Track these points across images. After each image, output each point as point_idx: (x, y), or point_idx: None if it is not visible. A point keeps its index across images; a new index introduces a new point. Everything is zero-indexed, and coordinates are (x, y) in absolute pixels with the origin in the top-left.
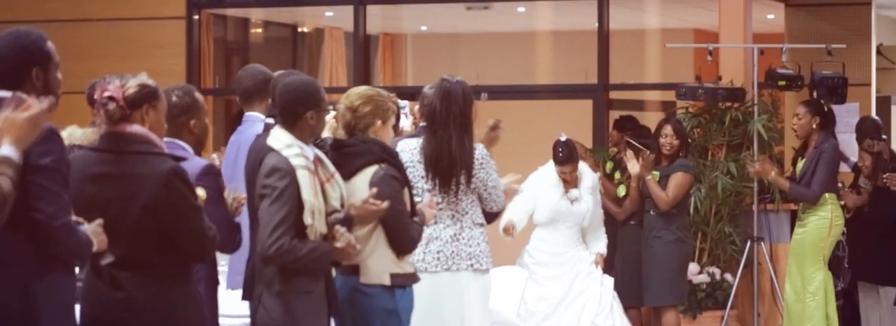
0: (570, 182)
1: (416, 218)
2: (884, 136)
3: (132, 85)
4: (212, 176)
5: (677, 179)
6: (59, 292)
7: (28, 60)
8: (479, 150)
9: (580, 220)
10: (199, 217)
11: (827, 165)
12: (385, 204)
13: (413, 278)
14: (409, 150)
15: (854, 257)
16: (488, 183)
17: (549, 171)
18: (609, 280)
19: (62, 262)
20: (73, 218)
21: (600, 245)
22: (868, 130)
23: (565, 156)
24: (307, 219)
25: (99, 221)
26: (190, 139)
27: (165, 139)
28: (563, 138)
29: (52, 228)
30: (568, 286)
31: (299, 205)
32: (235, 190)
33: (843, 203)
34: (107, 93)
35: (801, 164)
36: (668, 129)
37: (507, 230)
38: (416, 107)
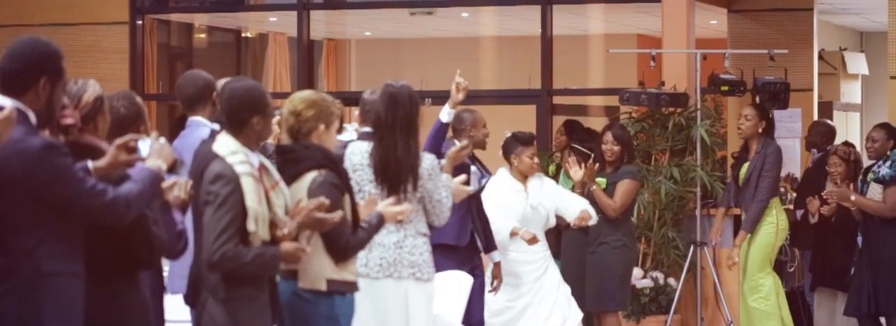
0: (533, 170)
1: (364, 224)
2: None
3: (86, 101)
4: None
5: (625, 186)
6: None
7: (41, 69)
8: (430, 161)
9: (544, 222)
10: (146, 224)
11: (772, 170)
12: (337, 215)
13: (352, 286)
14: (361, 153)
15: (817, 263)
16: (433, 196)
17: (503, 179)
18: (567, 289)
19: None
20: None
21: (582, 203)
22: (827, 135)
23: (529, 136)
24: (251, 226)
25: (161, 139)
26: None
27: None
28: (509, 133)
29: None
30: (536, 292)
31: (243, 212)
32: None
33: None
34: (67, 121)
35: (744, 169)
36: (608, 136)
37: (516, 233)
38: (356, 112)
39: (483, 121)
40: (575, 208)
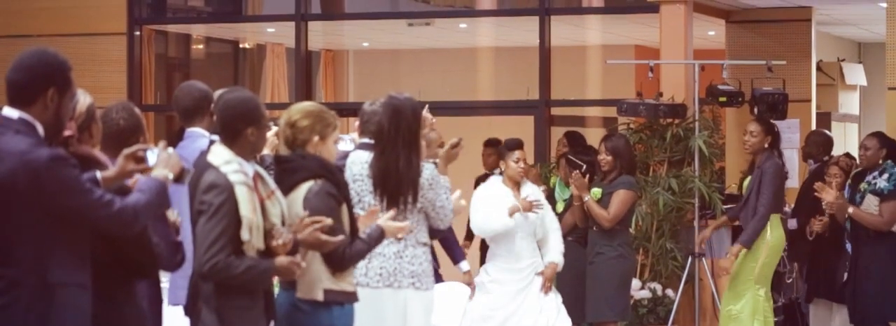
0: (519, 174)
1: (363, 236)
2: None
3: (80, 112)
4: None
5: (620, 196)
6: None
7: (49, 80)
8: (429, 170)
9: (533, 230)
10: (146, 235)
11: (770, 186)
12: (338, 239)
13: (350, 296)
14: (361, 163)
15: (812, 274)
16: (436, 203)
17: (495, 184)
18: (558, 297)
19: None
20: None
21: (553, 254)
22: (824, 145)
23: (515, 141)
24: (244, 235)
25: (169, 149)
26: None
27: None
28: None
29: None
30: (520, 301)
31: (237, 222)
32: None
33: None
34: (67, 132)
35: (747, 183)
36: (602, 147)
37: (516, 210)
38: (357, 123)
39: (440, 140)
40: (550, 244)
